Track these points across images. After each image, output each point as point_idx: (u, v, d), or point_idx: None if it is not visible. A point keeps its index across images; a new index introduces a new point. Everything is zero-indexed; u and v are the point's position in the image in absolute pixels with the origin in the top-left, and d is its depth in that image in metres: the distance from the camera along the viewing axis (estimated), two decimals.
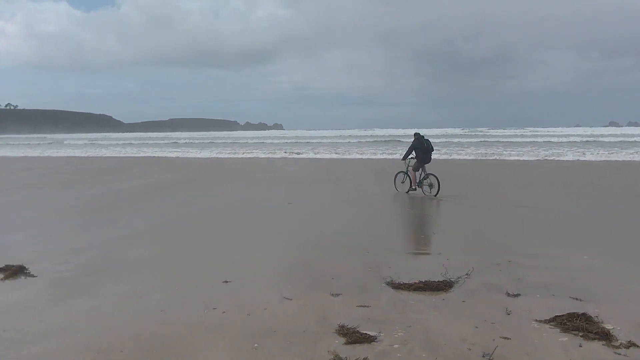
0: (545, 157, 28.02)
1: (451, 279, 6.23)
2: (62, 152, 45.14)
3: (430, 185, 13.46)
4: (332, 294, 5.79)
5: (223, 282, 6.27)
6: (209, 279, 6.41)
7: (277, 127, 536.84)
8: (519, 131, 78.20)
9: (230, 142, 60.61)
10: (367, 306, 5.38)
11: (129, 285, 6.21)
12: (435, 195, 13.22)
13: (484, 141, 47.69)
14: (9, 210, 12.39)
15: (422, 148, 13.66)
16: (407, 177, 14.26)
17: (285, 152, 36.79)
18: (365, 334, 4.61)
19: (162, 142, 65.16)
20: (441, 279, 6.20)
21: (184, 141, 65.47)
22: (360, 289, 5.96)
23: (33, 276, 6.61)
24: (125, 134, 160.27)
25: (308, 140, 60.56)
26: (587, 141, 44.32)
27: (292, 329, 4.79)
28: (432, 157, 14.03)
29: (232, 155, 36.20)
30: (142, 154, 39.93)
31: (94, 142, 70.94)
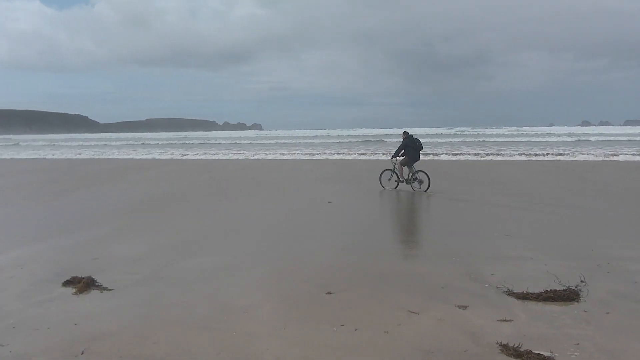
0: (559, 157, 27.97)
1: (572, 287, 5.79)
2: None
3: (420, 182, 14.05)
4: (458, 306, 5.28)
5: (326, 293, 5.70)
6: (309, 291, 5.82)
7: (256, 127, 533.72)
8: (500, 130, 78.87)
9: (231, 143, 58.71)
10: (509, 320, 4.89)
11: (233, 296, 5.57)
12: (425, 191, 13.83)
13: (484, 141, 47.68)
14: (35, 213, 11.51)
15: (412, 146, 14.18)
16: (394, 174, 14.63)
17: (303, 154, 35.46)
18: (540, 354, 4.11)
19: (164, 142, 63.05)
20: (560, 288, 5.77)
21: (163, 142, 63.58)
22: (483, 300, 5.47)
23: (108, 289, 5.91)
24: (101, 134, 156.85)
25: (308, 140, 59.67)
26: (590, 140, 44.55)
27: (450, 349, 4.27)
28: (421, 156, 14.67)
29: (249, 157, 32.31)
30: (143, 156, 38.62)
31: (54, 143, 67.28)
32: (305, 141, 57.15)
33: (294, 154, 34.58)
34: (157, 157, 35.00)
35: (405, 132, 14.66)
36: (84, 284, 5.88)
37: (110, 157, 36.22)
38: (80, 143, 64.23)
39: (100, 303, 5.50)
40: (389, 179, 14.84)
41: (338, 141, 53.48)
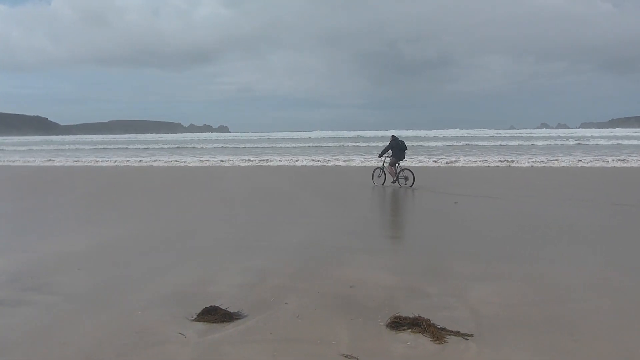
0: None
1: None
2: None
3: (406, 178, 15.81)
4: None
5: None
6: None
7: (223, 129, 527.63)
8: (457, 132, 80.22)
9: (220, 147, 56.92)
10: None
11: None
12: (410, 186, 15.49)
13: (476, 144, 47.79)
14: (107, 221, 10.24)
15: (398, 147, 15.91)
16: (383, 173, 16.37)
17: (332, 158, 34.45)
18: None
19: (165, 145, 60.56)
20: None
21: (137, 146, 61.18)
22: None
23: (239, 318, 4.97)
24: (64, 136, 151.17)
25: (304, 144, 58.60)
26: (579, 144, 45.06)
27: None
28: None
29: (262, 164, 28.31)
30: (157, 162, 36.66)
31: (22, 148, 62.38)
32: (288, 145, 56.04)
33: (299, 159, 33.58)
34: (182, 164, 33.14)
35: (392, 136, 16.57)
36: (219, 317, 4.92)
37: (106, 163, 33.77)
38: (56, 147, 60.05)
39: None
40: (379, 176, 16.51)
41: (316, 145, 51.92)
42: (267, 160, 28.95)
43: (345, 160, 27.94)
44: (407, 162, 24.08)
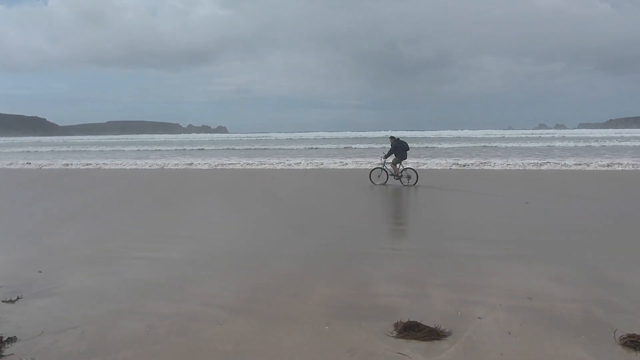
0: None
1: None
2: None
3: (408, 177, 16.50)
4: None
5: None
6: None
7: (222, 130, 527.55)
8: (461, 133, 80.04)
9: (244, 149, 56.35)
10: None
11: None
12: (414, 185, 16.19)
13: (486, 146, 47.40)
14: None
15: (401, 147, 16.61)
16: (383, 172, 16.83)
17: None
18: None
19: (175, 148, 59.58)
20: None
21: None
22: None
23: (445, 336, 4.50)
24: (68, 137, 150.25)
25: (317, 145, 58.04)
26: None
27: None
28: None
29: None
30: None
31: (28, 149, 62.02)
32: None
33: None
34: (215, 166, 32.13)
35: (392, 137, 17.25)
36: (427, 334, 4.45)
37: (146, 166, 32.21)
38: (63, 149, 57.81)
39: None
40: (379, 176, 16.85)
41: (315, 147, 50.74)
42: (322, 163, 26.59)
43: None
44: (441, 166, 23.81)
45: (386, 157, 16.89)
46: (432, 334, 4.44)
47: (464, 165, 23.25)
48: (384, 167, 16.94)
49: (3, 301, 5.54)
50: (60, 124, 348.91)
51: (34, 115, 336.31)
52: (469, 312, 5.02)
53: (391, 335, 4.48)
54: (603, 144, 43.22)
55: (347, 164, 25.65)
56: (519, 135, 68.41)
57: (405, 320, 4.69)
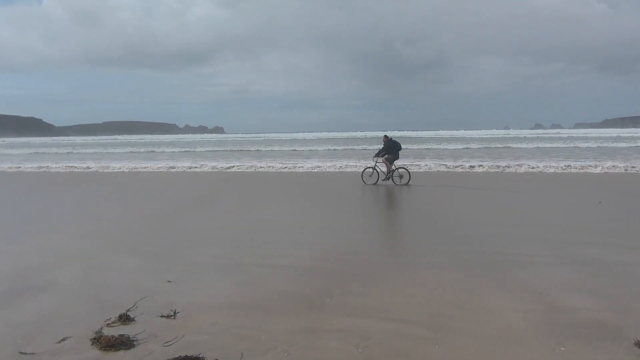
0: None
1: None
2: None
3: (400, 176, 16.67)
4: None
5: None
6: None
7: (219, 130, 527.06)
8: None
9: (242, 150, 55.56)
10: None
11: None
12: (406, 184, 16.38)
13: (495, 147, 47.04)
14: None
15: (394, 147, 16.78)
16: (375, 172, 16.91)
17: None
18: None
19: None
20: None
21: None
22: None
23: None
24: (64, 138, 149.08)
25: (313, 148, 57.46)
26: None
27: None
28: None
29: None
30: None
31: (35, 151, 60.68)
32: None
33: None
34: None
35: (385, 136, 17.35)
36: None
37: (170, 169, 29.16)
38: (70, 150, 55.98)
39: None
40: (370, 176, 16.94)
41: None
42: (356, 166, 25.17)
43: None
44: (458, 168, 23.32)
45: (378, 155, 16.97)
46: None
47: (505, 167, 22.64)
48: (376, 167, 17.03)
49: (161, 316, 5.08)
50: (56, 125, 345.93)
51: (30, 116, 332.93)
52: None
53: None
54: (629, 145, 42.32)
55: None
56: (535, 135, 68.24)
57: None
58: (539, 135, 66.57)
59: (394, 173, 16.72)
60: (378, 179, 16.84)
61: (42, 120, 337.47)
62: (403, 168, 17.19)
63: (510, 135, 69.50)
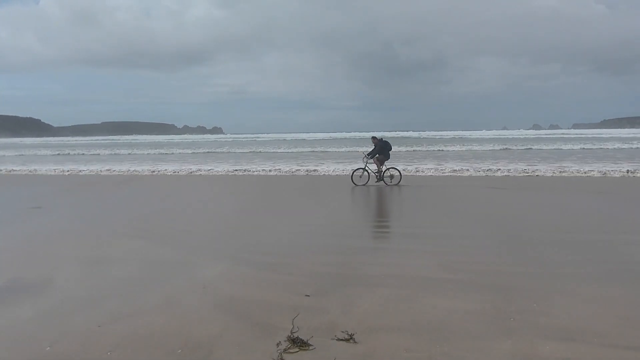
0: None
1: None
2: None
3: (391, 177, 16.91)
4: None
5: None
6: None
7: (217, 130, 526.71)
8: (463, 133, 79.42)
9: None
10: None
11: None
12: (397, 184, 16.60)
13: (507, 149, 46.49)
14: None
15: (386, 147, 16.96)
16: (365, 172, 16.96)
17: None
18: None
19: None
20: None
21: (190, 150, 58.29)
22: None
23: None
24: (74, 139, 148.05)
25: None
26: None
27: None
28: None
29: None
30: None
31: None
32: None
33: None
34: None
35: (374, 137, 17.55)
36: None
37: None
38: (98, 152, 53.26)
39: None
40: (360, 176, 16.98)
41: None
42: (419, 170, 24.53)
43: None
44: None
45: (369, 156, 16.98)
46: None
47: (534, 172, 21.74)
48: (366, 168, 17.10)
49: (337, 339, 4.44)
50: (54, 125, 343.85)
51: (28, 116, 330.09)
52: None
53: None
54: None
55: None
56: (547, 136, 67.80)
57: None
58: (563, 135, 66.03)
59: (385, 173, 16.93)
60: (368, 180, 16.94)
61: (40, 120, 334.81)
62: (394, 168, 17.37)
63: (531, 136, 68.93)
